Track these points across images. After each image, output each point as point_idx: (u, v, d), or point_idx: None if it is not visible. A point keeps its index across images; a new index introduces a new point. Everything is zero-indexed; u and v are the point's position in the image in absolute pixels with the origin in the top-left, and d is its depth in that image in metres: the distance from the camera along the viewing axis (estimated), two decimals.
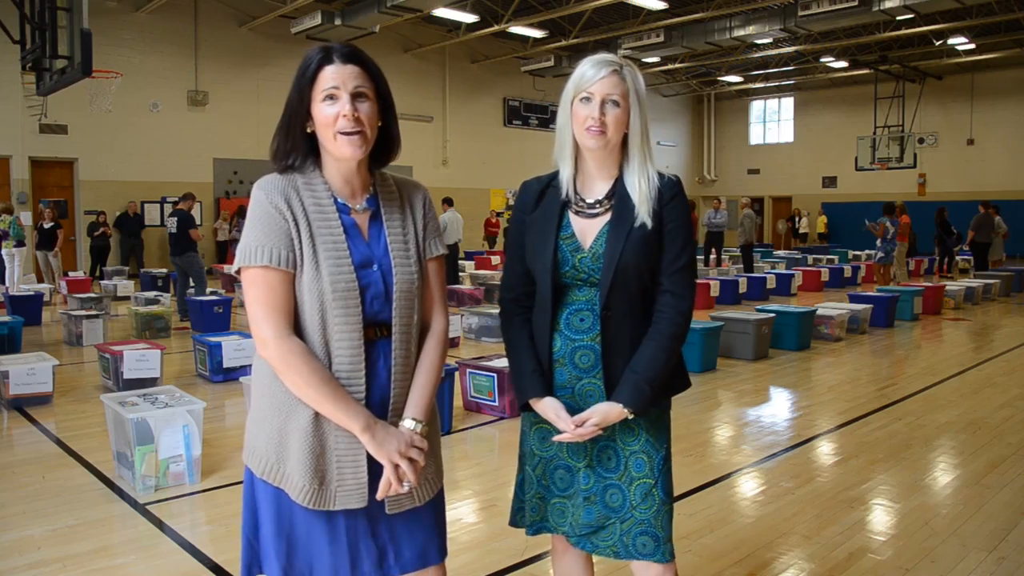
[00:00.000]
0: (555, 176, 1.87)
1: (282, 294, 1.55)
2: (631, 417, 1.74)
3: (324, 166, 1.62)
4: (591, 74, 1.74)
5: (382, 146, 1.65)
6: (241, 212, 16.78)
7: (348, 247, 1.58)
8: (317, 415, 1.56)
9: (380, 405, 1.61)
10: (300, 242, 1.54)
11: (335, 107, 1.53)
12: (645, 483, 1.79)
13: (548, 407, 1.77)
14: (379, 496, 1.59)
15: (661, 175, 1.80)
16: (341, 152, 1.55)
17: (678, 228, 1.76)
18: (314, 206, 1.58)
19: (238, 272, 1.58)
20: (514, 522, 1.95)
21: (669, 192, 1.78)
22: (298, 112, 1.57)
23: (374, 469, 1.60)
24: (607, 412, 1.73)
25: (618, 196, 1.78)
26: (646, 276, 1.76)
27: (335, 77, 1.54)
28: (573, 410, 1.77)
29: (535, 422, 1.86)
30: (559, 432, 1.75)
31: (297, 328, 1.57)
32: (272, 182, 1.58)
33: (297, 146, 1.59)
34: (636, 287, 1.76)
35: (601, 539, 1.81)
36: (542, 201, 1.85)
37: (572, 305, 1.80)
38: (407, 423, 1.61)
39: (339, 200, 1.61)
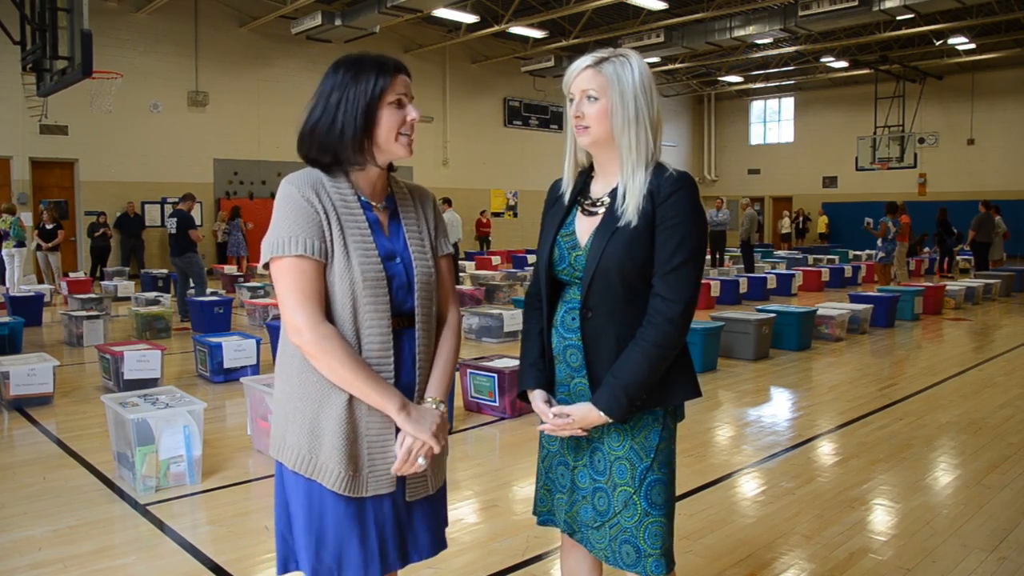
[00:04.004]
0: (579, 174, 1.87)
1: (315, 282, 1.61)
2: (610, 422, 1.72)
3: (352, 169, 1.69)
4: (569, 72, 1.75)
5: None
6: (233, 214, 16.78)
7: (374, 240, 1.66)
8: (350, 402, 1.62)
9: (405, 391, 1.69)
10: (331, 234, 1.62)
11: (402, 112, 1.67)
12: (625, 491, 1.76)
13: (534, 398, 1.82)
14: (395, 469, 1.65)
15: (665, 169, 1.72)
16: (400, 152, 1.68)
17: (674, 227, 1.67)
18: (340, 201, 1.65)
19: (266, 266, 1.64)
20: (533, 511, 1.98)
21: (668, 188, 1.68)
22: (367, 114, 1.63)
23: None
24: (586, 414, 1.72)
25: (615, 194, 1.75)
26: (633, 277, 1.69)
27: (405, 85, 1.68)
28: (551, 402, 1.81)
29: None
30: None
31: (327, 318, 1.62)
32: (301, 177, 1.65)
33: (339, 146, 1.64)
34: (621, 288, 1.70)
35: (597, 540, 1.81)
36: (560, 198, 1.87)
37: (568, 303, 1.81)
38: (429, 403, 1.71)
39: (362, 198, 1.70)
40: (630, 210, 1.69)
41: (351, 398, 1.62)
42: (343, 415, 1.62)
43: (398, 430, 1.66)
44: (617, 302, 1.72)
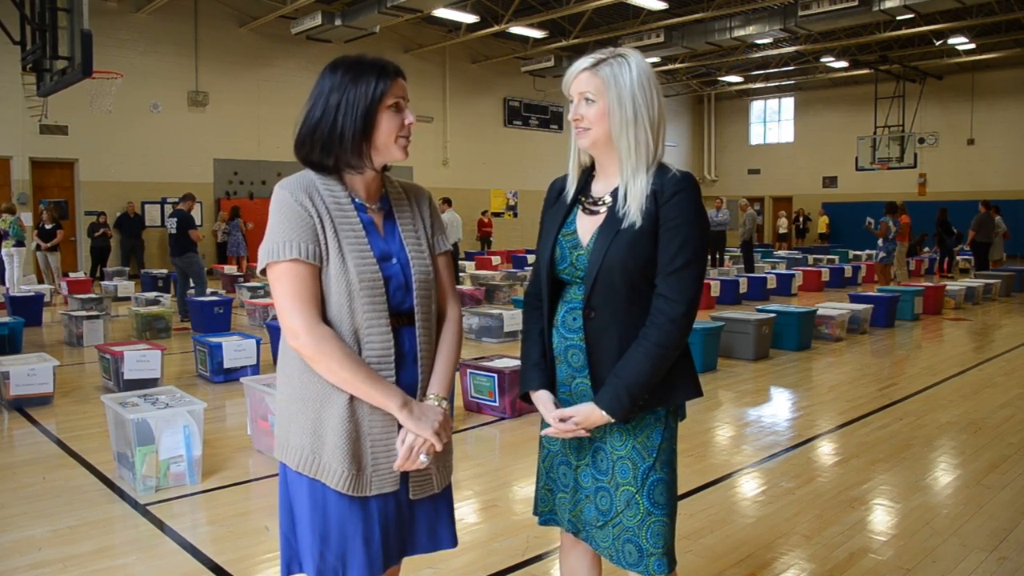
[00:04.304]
0: (579, 174, 1.87)
1: (311, 286, 1.61)
2: (612, 422, 1.72)
3: (346, 171, 1.70)
4: (567, 75, 1.77)
5: None
6: (233, 214, 16.78)
7: (369, 241, 1.67)
8: (352, 401, 1.62)
9: (408, 390, 1.69)
10: (325, 237, 1.62)
11: (400, 115, 1.68)
12: (628, 490, 1.76)
13: (539, 399, 1.81)
14: (397, 465, 1.65)
15: (668, 170, 1.72)
16: (397, 155, 1.70)
17: (678, 227, 1.67)
18: (334, 204, 1.66)
19: (263, 272, 1.65)
20: (534, 511, 1.98)
21: (671, 189, 1.68)
22: (366, 115, 1.64)
23: None
24: (588, 414, 1.72)
25: (616, 194, 1.76)
26: (636, 277, 1.70)
27: (403, 88, 1.69)
28: (554, 402, 1.80)
29: None
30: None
31: (324, 321, 1.63)
32: (294, 182, 1.66)
33: (353, 149, 1.65)
34: (624, 288, 1.71)
35: (601, 538, 1.82)
36: (560, 197, 1.87)
37: (569, 303, 1.81)
38: (431, 400, 1.71)
39: (356, 200, 1.70)
40: (633, 210, 1.69)
41: (352, 397, 1.62)
42: (345, 415, 1.62)
43: (401, 427, 1.66)
44: (620, 302, 1.72)
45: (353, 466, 1.62)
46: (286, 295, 1.60)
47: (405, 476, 1.70)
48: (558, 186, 1.89)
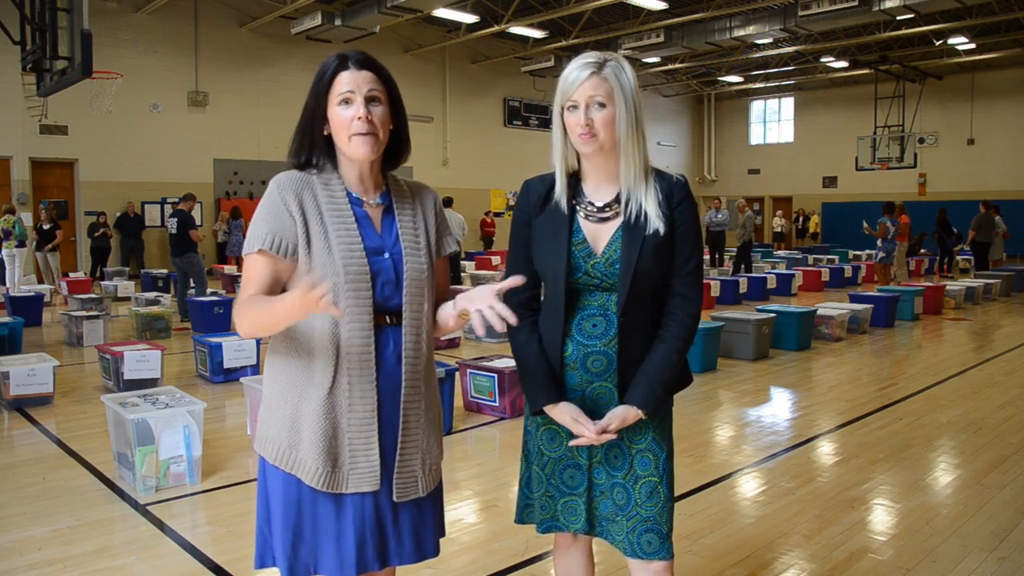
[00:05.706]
0: (567, 178, 1.84)
1: (268, 275, 1.62)
2: (644, 418, 1.76)
3: (340, 166, 1.69)
4: (572, 79, 1.71)
5: (393, 148, 1.73)
6: (234, 214, 16.78)
7: (360, 234, 1.64)
8: (329, 398, 1.61)
9: (390, 391, 1.65)
10: (308, 235, 1.61)
11: (350, 110, 1.61)
12: (650, 481, 1.80)
13: (565, 412, 1.77)
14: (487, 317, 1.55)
15: (667, 175, 1.78)
16: (355, 152, 1.63)
17: (689, 231, 1.77)
18: (327, 199, 1.65)
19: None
20: (521, 519, 1.95)
21: (679, 194, 1.77)
22: (315, 115, 1.65)
23: (385, 455, 1.66)
24: (625, 416, 1.74)
25: (627, 199, 1.75)
26: (658, 280, 1.77)
27: (350, 82, 1.62)
28: (584, 413, 1.78)
29: (543, 423, 1.86)
30: (572, 435, 1.76)
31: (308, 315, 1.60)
32: (288, 178, 1.67)
33: (313, 147, 1.67)
34: (649, 291, 1.77)
35: (616, 532, 1.83)
36: (548, 203, 1.82)
37: (585, 310, 1.79)
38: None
39: (353, 194, 1.69)
40: (653, 217, 1.74)
41: (329, 394, 1.61)
42: (321, 411, 1.61)
43: (380, 427, 1.63)
44: (644, 304, 1.78)
45: (328, 463, 1.61)
46: (245, 282, 1.63)
47: (387, 478, 1.66)
48: (539, 190, 1.85)
